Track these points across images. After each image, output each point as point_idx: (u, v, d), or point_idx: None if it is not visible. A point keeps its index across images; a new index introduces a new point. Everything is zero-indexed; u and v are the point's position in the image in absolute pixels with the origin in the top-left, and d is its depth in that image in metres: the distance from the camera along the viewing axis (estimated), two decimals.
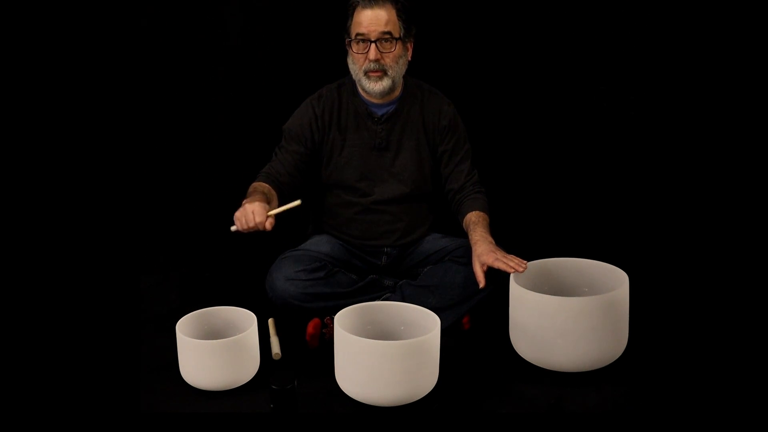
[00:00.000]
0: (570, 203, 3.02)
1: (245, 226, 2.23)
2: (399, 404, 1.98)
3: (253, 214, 2.21)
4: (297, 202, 2.26)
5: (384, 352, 1.91)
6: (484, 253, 2.24)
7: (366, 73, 2.37)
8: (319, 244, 2.46)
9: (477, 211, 2.43)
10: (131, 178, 1.83)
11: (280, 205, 2.29)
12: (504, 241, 2.44)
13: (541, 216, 3.03)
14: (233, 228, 2.27)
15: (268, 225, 2.22)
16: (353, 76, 2.42)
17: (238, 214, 2.24)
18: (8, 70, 1.65)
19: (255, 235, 2.26)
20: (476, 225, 2.38)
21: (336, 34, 2.44)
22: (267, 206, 2.26)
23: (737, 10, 2.56)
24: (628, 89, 2.89)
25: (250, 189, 2.39)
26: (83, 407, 1.62)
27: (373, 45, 2.33)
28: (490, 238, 2.33)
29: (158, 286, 2.78)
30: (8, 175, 1.65)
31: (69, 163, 1.70)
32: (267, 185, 2.41)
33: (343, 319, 2.05)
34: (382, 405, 1.99)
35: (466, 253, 2.39)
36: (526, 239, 2.81)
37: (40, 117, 1.68)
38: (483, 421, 1.96)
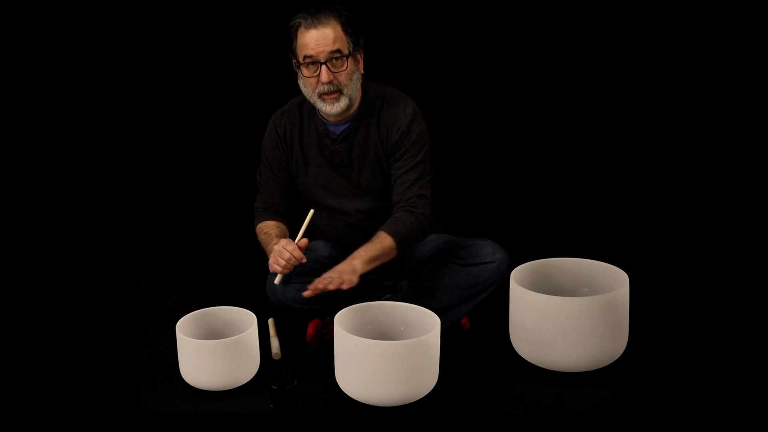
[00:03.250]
0: (570, 203, 3.02)
1: (283, 264, 2.23)
2: (399, 404, 1.98)
3: (284, 250, 2.22)
4: (311, 213, 2.29)
5: (384, 352, 1.91)
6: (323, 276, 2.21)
7: (320, 96, 2.29)
8: (318, 248, 2.46)
9: (383, 232, 2.28)
10: (132, 178, 1.83)
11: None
12: (504, 240, 2.44)
13: (541, 216, 3.03)
14: (277, 280, 2.28)
15: (302, 243, 2.24)
16: (307, 98, 2.35)
17: (271, 261, 2.26)
18: (8, 69, 1.65)
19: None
20: (366, 245, 2.27)
21: None
22: (290, 240, 2.27)
23: (737, 10, 2.56)
24: (628, 89, 2.89)
25: (262, 235, 2.42)
26: (83, 407, 1.62)
27: (323, 67, 2.24)
28: (354, 264, 2.22)
29: (158, 286, 2.78)
30: (9, 175, 1.65)
31: (69, 163, 1.70)
32: (274, 223, 2.44)
33: (343, 319, 2.05)
34: (382, 405, 1.99)
35: (466, 254, 2.39)
36: (526, 239, 2.82)
37: (39, 117, 1.68)
38: (483, 421, 1.96)
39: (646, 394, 2.04)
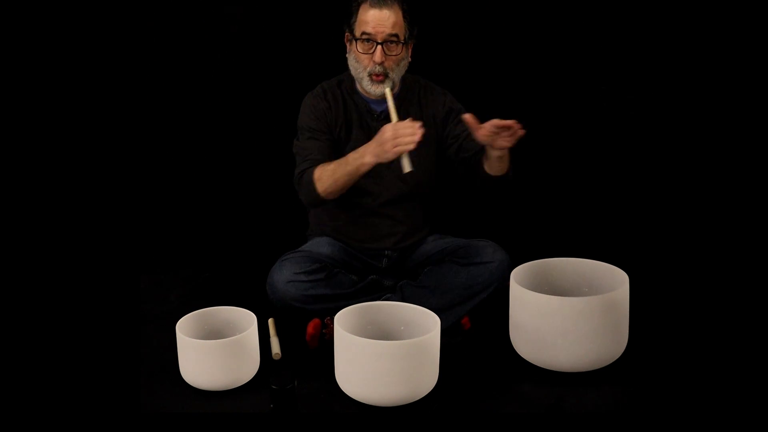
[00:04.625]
0: (570, 203, 3.02)
1: (409, 140, 2.15)
2: (399, 404, 1.98)
3: (398, 127, 2.17)
4: None
5: (384, 352, 1.91)
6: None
7: (369, 75, 2.35)
8: (319, 245, 2.46)
9: None
10: (132, 177, 1.83)
11: None
12: (505, 240, 2.44)
13: (541, 216, 3.03)
14: (408, 166, 2.19)
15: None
16: (353, 73, 2.40)
17: (395, 145, 2.16)
18: (9, 69, 1.65)
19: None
20: None
21: (336, 33, 2.43)
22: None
23: (737, 10, 2.56)
24: (628, 89, 2.89)
25: (329, 168, 2.31)
26: (83, 407, 1.62)
27: (379, 47, 2.32)
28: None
29: (158, 286, 2.78)
30: (8, 174, 1.65)
31: (69, 162, 1.70)
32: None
33: (343, 319, 2.05)
34: (382, 405, 1.99)
35: (466, 254, 2.39)
36: (526, 239, 2.82)
37: (40, 116, 1.68)
38: (483, 421, 1.96)
39: (646, 394, 2.04)
